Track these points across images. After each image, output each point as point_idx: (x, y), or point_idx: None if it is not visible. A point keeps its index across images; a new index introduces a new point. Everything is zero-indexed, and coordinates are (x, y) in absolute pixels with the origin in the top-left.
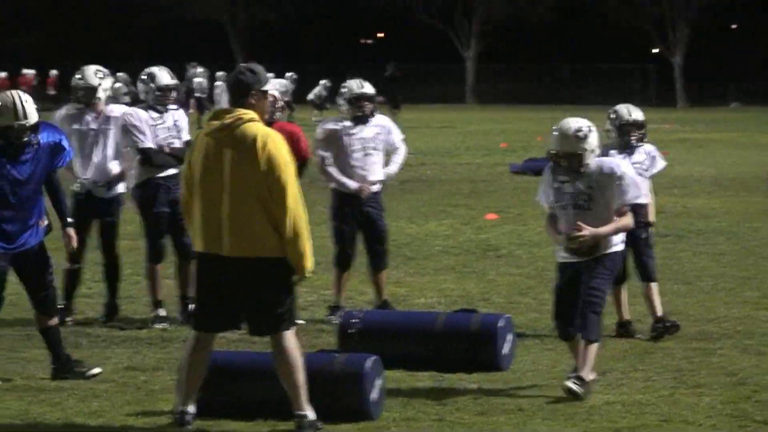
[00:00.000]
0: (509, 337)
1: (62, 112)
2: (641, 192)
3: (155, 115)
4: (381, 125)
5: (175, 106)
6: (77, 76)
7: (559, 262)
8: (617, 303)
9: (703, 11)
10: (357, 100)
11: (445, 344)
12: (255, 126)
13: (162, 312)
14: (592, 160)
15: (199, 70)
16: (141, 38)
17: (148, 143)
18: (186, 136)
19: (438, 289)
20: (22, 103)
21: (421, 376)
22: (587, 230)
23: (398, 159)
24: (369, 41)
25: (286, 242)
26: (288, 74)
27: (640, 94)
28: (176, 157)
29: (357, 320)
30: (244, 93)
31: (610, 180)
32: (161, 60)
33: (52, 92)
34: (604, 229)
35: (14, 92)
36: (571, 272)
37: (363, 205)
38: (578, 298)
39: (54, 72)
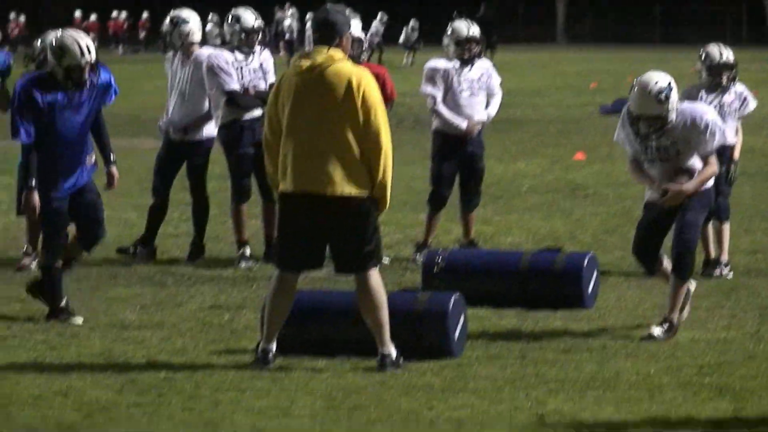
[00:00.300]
0: (594, 275)
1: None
2: (725, 136)
3: (240, 56)
4: (485, 67)
5: (260, 48)
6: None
7: (647, 201)
8: (703, 240)
9: None
10: (465, 42)
11: (530, 283)
12: (347, 66)
13: (247, 251)
14: (674, 115)
15: (289, 11)
16: None
17: (234, 85)
18: (271, 78)
19: (525, 228)
20: (85, 42)
21: (505, 314)
22: (675, 188)
23: (496, 101)
24: None
25: (376, 179)
26: (379, 15)
27: (731, 34)
28: (261, 98)
29: (441, 259)
30: (332, 34)
31: (695, 131)
32: (249, 1)
33: (142, 35)
34: (691, 185)
35: (74, 32)
36: (659, 210)
37: (467, 145)
38: (663, 235)
39: (145, 15)
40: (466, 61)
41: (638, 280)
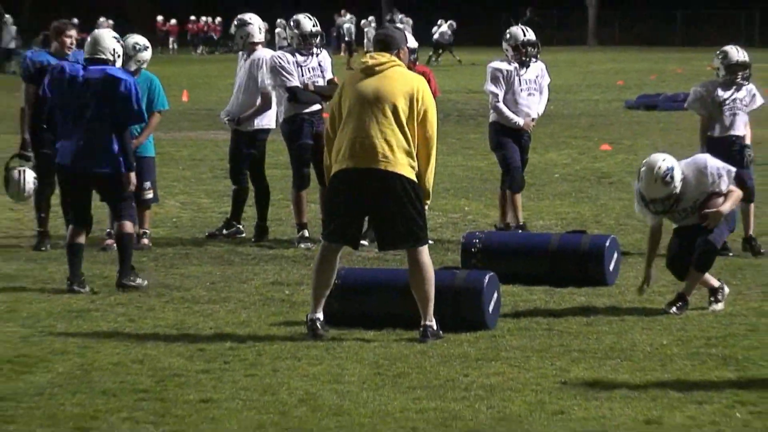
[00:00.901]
0: (615, 255)
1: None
2: (731, 168)
3: (301, 57)
4: (540, 68)
5: (318, 49)
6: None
7: (676, 227)
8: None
9: None
10: (522, 46)
11: (558, 262)
12: (408, 71)
13: (306, 233)
14: (681, 186)
15: (347, 16)
16: None
17: (295, 82)
18: (329, 75)
19: (555, 213)
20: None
21: (535, 290)
22: (712, 211)
23: (543, 99)
24: None
25: (424, 170)
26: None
27: (745, 36)
28: (320, 94)
29: (478, 240)
30: (392, 46)
31: (706, 184)
32: (314, 8)
33: (215, 37)
34: (726, 206)
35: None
36: (687, 232)
37: (520, 137)
38: (691, 252)
39: (219, 19)
40: (524, 63)
41: (655, 261)
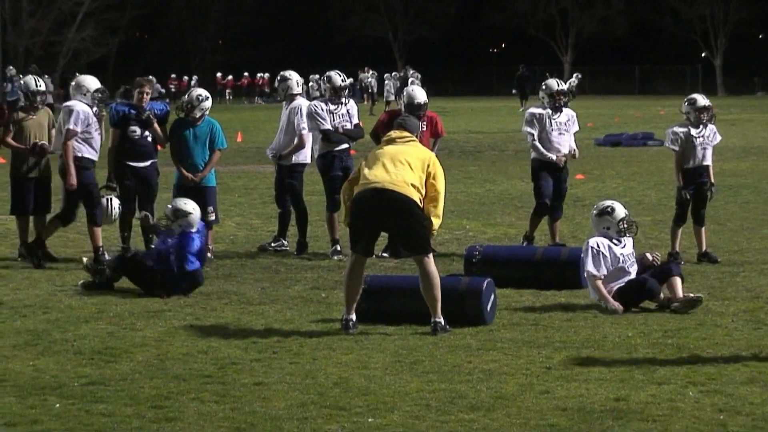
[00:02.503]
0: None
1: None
2: (706, 158)
3: (333, 106)
4: (570, 114)
5: (347, 99)
6: (279, 80)
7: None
8: (673, 238)
9: (738, 25)
10: (557, 94)
11: (542, 269)
12: (422, 146)
13: (338, 247)
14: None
15: (369, 72)
16: (331, 49)
17: (328, 126)
18: (355, 120)
19: (540, 230)
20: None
21: (524, 292)
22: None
23: (572, 139)
24: (495, 50)
25: (433, 214)
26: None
27: (690, 87)
28: (348, 135)
29: (478, 252)
30: (410, 131)
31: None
32: (343, 66)
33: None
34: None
35: None
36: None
37: (556, 171)
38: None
39: (267, 75)
40: (556, 109)
41: None
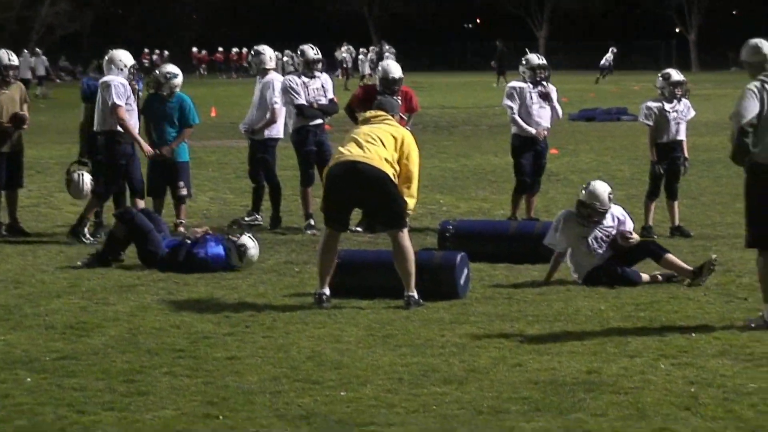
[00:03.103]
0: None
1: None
2: (679, 133)
3: (306, 79)
4: (551, 88)
5: (321, 73)
6: (252, 54)
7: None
8: (646, 212)
9: (712, 1)
10: (537, 68)
11: (516, 244)
12: (398, 125)
13: (312, 222)
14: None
15: (345, 47)
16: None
17: (302, 100)
18: (330, 95)
19: (507, 205)
20: None
21: (497, 266)
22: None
23: (556, 114)
24: (470, 25)
25: (407, 194)
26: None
27: (665, 62)
28: (322, 110)
29: (451, 227)
30: (387, 111)
31: (621, 223)
32: (319, 41)
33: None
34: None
35: None
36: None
37: (536, 144)
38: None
39: (235, 49)
40: (537, 83)
41: None
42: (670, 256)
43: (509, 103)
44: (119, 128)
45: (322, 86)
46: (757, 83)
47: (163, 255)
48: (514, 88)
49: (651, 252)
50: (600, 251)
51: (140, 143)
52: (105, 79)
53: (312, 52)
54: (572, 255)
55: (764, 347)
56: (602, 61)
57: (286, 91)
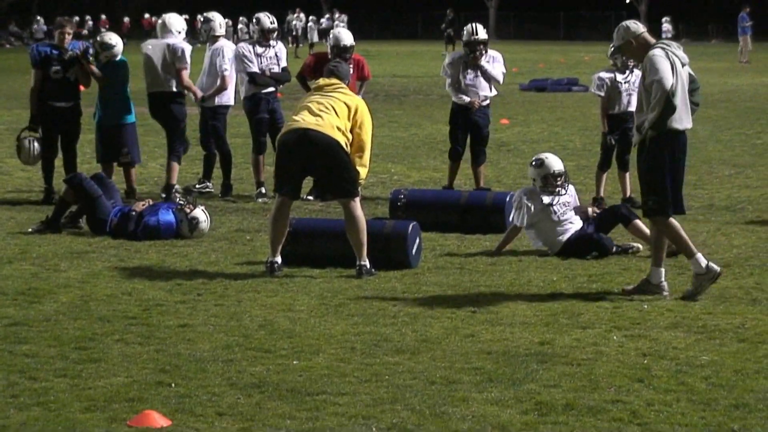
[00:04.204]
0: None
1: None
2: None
3: (260, 48)
4: (493, 55)
5: (275, 41)
6: (202, 21)
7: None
8: (597, 183)
9: None
10: (473, 43)
11: (467, 214)
12: (351, 93)
13: (263, 190)
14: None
15: (295, 15)
16: None
17: (254, 68)
18: (283, 63)
19: (465, 174)
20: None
21: (449, 236)
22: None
23: (494, 85)
24: None
25: (359, 163)
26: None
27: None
28: (275, 79)
29: (403, 196)
30: (340, 78)
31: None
32: (269, 8)
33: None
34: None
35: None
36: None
37: (472, 115)
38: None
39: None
40: (474, 53)
41: None
42: (639, 223)
43: (445, 73)
44: (175, 89)
45: (276, 55)
46: (658, 50)
47: (112, 222)
48: (452, 57)
49: (622, 216)
50: (567, 216)
51: (196, 91)
52: (171, 42)
53: (268, 20)
54: (539, 232)
55: (716, 320)
56: (665, 36)
57: (240, 58)
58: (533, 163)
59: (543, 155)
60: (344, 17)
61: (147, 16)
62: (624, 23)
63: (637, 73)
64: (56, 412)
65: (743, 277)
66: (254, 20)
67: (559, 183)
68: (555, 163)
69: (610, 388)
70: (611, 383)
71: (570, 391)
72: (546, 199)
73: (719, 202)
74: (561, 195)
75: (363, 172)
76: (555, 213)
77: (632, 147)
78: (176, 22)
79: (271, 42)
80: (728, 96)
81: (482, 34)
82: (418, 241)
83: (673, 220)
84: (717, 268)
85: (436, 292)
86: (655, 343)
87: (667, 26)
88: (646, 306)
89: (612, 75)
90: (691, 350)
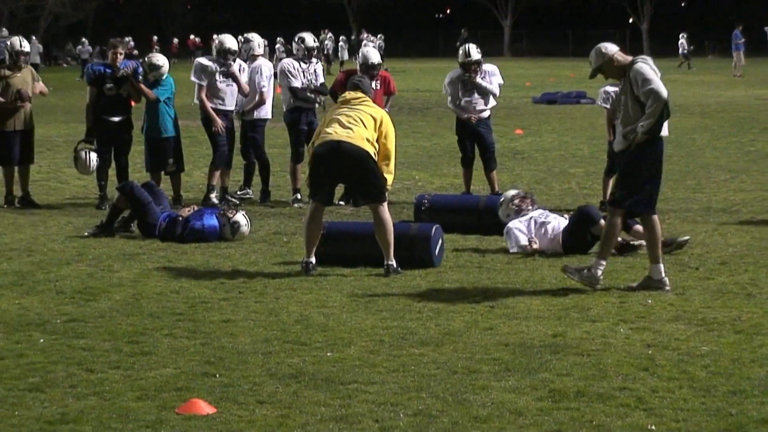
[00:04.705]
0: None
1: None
2: None
3: (303, 65)
4: (489, 69)
5: (315, 59)
6: (242, 41)
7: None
8: (604, 188)
9: None
10: (468, 64)
11: (485, 217)
12: (375, 106)
13: (299, 196)
14: None
15: (328, 34)
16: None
17: (297, 84)
18: (321, 79)
19: (483, 180)
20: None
21: (469, 237)
22: None
23: (494, 91)
24: (441, 15)
25: (386, 170)
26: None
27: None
28: (319, 91)
29: (426, 200)
30: (363, 92)
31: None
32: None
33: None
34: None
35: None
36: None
37: (476, 127)
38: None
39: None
40: (469, 73)
41: None
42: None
43: (447, 91)
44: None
45: (315, 71)
46: (642, 63)
47: (160, 226)
48: (451, 77)
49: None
50: (548, 218)
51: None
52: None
53: (311, 39)
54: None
55: (714, 313)
56: (682, 50)
57: (284, 73)
58: (501, 203)
59: (501, 197)
60: (372, 37)
61: (192, 37)
62: (599, 46)
63: None
64: (111, 401)
65: (739, 273)
66: (298, 39)
67: (526, 204)
68: (512, 191)
69: (617, 376)
70: (618, 372)
71: (581, 379)
72: (530, 215)
73: (716, 204)
74: (532, 211)
75: (390, 179)
76: (541, 216)
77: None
78: (257, 41)
79: (313, 59)
80: (724, 107)
81: (475, 55)
82: (440, 242)
83: (617, 221)
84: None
85: (457, 289)
86: (658, 335)
87: (683, 41)
88: (650, 301)
89: (617, 89)
90: (691, 341)
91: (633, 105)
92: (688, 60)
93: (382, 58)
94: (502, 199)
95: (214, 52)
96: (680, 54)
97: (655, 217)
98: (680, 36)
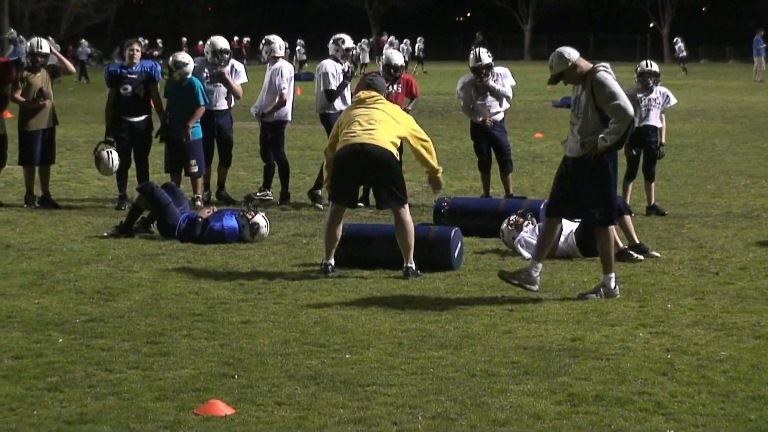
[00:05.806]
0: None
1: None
2: (651, 119)
3: (341, 67)
4: (500, 71)
5: (349, 60)
6: (263, 43)
7: None
8: (624, 192)
9: None
10: (479, 68)
11: (505, 219)
12: (389, 103)
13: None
14: None
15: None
16: (311, 17)
17: (334, 86)
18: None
19: (500, 183)
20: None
21: (488, 240)
22: None
23: (506, 93)
24: (461, 18)
25: (429, 159)
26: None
27: (639, 54)
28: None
29: (446, 204)
30: (378, 91)
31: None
32: (323, 32)
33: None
34: None
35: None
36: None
37: (491, 130)
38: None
39: (247, 39)
40: (479, 77)
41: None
42: (628, 219)
43: (460, 96)
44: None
45: (344, 71)
46: (604, 72)
47: (180, 227)
48: (463, 82)
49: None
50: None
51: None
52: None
53: (350, 40)
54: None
55: (734, 318)
56: (680, 54)
57: (325, 75)
58: (502, 232)
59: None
60: (395, 41)
61: (200, 43)
62: (559, 50)
63: (661, 90)
64: (129, 401)
65: (759, 278)
66: (339, 40)
67: (523, 219)
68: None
69: (636, 380)
70: (637, 376)
71: (600, 383)
72: (530, 228)
73: (736, 209)
74: (534, 222)
75: (439, 170)
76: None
77: (656, 159)
78: (279, 43)
79: (348, 60)
80: (744, 112)
81: (485, 59)
82: (459, 245)
83: (613, 233)
84: (618, 293)
85: (476, 292)
86: (677, 340)
87: (680, 45)
88: (669, 305)
89: (633, 92)
90: (711, 346)
91: (593, 115)
92: (683, 64)
93: (406, 63)
94: (500, 231)
95: (209, 55)
96: (677, 58)
97: (612, 231)
98: (677, 40)
